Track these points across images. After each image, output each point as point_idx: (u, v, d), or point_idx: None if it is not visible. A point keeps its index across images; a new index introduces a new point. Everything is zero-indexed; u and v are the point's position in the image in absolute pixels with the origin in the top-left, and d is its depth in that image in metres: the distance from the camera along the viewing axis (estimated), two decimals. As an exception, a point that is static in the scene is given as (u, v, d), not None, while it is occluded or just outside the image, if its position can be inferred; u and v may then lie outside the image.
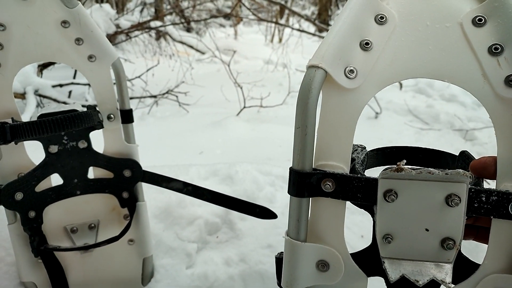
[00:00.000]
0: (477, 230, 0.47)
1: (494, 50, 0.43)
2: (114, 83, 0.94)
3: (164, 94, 3.48)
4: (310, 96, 0.44)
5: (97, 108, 0.92)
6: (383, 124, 3.01)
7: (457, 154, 0.57)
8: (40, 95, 2.98)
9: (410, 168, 0.43)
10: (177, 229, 1.21)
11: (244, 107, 3.19)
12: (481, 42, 0.44)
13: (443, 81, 0.46)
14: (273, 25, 8.58)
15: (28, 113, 2.52)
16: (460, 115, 3.10)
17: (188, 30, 7.93)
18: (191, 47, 5.94)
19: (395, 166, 0.43)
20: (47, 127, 0.78)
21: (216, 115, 3.05)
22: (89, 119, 0.85)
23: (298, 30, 5.09)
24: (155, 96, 3.46)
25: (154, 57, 4.90)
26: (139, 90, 3.55)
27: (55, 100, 3.00)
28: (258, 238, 1.22)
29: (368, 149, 0.61)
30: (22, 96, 2.83)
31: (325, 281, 0.50)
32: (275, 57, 5.69)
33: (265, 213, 0.98)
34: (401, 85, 4.16)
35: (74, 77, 3.60)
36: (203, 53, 5.99)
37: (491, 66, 0.43)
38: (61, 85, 3.16)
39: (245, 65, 5.58)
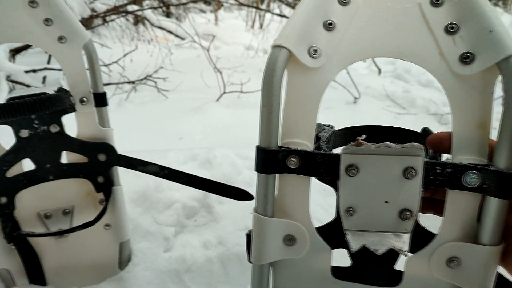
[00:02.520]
0: (436, 204, 0.49)
1: (450, 29, 0.44)
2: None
3: (142, 79, 3.43)
4: (274, 75, 0.45)
5: (70, 91, 0.90)
6: (361, 109, 3.05)
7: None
8: (12, 81, 2.89)
9: (370, 143, 0.44)
10: (154, 213, 1.21)
11: (224, 92, 3.17)
12: (438, 22, 0.45)
13: (402, 59, 0.47)
14: (254, 10, 8.49)
15: (0, 100, 2.45)
16: (436, 100, 3.16)
17: (168, 15, 7.77)
18: (170, 32, 5.83)
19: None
20: (16, 109, 0.76)
21: (196, 101, 3.03)
22: (60, 102, 0.83)
23: (279, 15, 5.06)
24: (133, 82, 3.40)
25: (132, 43, 4.80)
26: (116, 76, 3.48)
27: (28, 86, 2.91)
28: (236, 220, 1.23)
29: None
30: (-7, 81, 2.73)
31: (292, 255, 0.52)
32: (256, 42, 5.66)
33: (242, 195, 0.99)
34: (379, 70, 4.21)
35: (48, 62, 3.50)
36: (182, 38, 5.90)
37: (447, 45, 0.45)
38: (34, 71, 3.07)
39: (226, 50, 5.53)
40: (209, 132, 2.41)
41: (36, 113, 0.78)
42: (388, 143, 0.44)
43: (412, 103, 3.15)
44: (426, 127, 0.58)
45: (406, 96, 3.30)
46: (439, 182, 0.45)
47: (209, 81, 3.49)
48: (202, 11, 9.74)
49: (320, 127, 0.59)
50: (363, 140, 0.44)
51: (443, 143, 0.48)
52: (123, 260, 1.08)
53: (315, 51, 0.47)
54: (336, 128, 0.63)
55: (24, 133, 0.89)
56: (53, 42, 0.86)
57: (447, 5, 0.45)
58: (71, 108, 0.90)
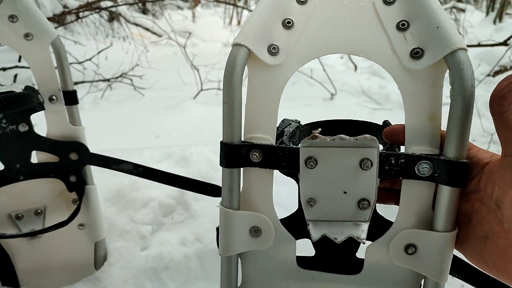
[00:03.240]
0: (396, 195, 0.51)
1: (401, 26, 0.47)
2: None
3: (118, 77, 3.37)
4: (234, 73, 0.47)
5: (38, 90, 0.88)
6: (338, 105, 3.09)
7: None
8: (-19, 80, 2.79)
9: (326, 136, 0.46)
10: (130, 212, 1.20)
11: (201, 90, 3.16)
12: (390, 19, 0.47)
13: (358, 56, 0.49)
14: (231, 7, 8.45)
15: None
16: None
17: (144, 12, 7.65)
18: (147, 29, 5.75)
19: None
20: (-19, 109, 0.74)
21: (173, 99, 3.00)
22: (27, 100, 0.81)
23: (256, 12, 5.05)
24: (108, 80, 3.34)
25: (107, 40, 4.70)
26: (91, 74, 3.41)
27: (-2, 85, 2.82)
28: (213, 217, 1.24)
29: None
30: (-40, 81, 2.64)
31: (258, 246, 0.53)
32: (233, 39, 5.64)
33: (217, 191, 0.99)
34: (355, 67, 4.28)
35: (19, 61, 3.39)
36: (159, 35, 5.82)
37: (399, 41, 0.47)
38: (4, 69, 2.97)
39: (203, 48, 5.49)
40: (186, 130, 2.40)
41: (3, 112, 0.76)
42: (342, 135, 0.45)
43: (387, 99, 3.22)
44: (387, 120, 0.60)
45: (381, 92, 3.36)
46: (394, 172, 0.47)
47: (186, 78, 3.47)
48: (179, 7, 9.63)
49: (286, 122, 0.61)
50: (318, 133, 0.46)
51: (397, 135, 0.50)
52: (99, 259, 1.07)
53: (274, 48, 0.48)
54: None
55: (-8, 132, 0.87)
56: (19, 39, 0.85)
57: (398, 3, 0.47)
58: (40, 107, 0.88)
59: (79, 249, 1.04)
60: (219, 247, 0.55)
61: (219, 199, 1.13)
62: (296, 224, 0.54)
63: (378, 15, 0.47)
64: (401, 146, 0.53)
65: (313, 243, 0.54)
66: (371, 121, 0.65)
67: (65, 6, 3.69)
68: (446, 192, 0.46)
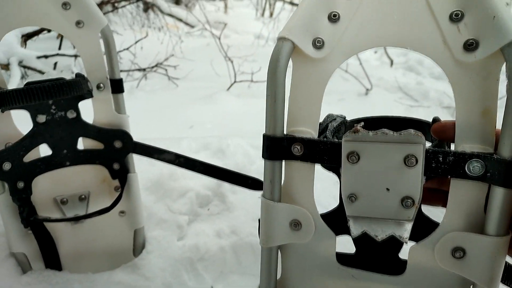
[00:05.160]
0: (445, 197, 0.48)
1: (455, 17, 0.44)
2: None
3: (153, 67, 3.42)
4: (278, 66, 0.47)
5: (86, 77, 0.89)
6: (373, 101, 3.02)
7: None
8: (24, 66, 2.89)
9: (368, 131, 0.45)
10: (168, 201, 1.21)
11: (235, 81, 3.15)
12: (442, 10, 0.45)
13: (406, 48, 0.48)
14: (264, -2, 8.39)
15: (13, 85, 2.45)
16: (449, 93, 3.11)
17: (177, 2, 7.72)
18: (180, 20, 5.80)
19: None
20: (34, 94, 0.76)
21: (206, 89, 3.02)
22: (78, 87, 0.82)
23: (290, 3, 4.99)
24: (144, 69, 3.39)
25: (143, 29, 4.78)
26: (127, 63, 3.47)
27: (40, 71, 2.91)
28: (249, 210, 1.23)
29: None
30: (6, 67, 2.74)
31: (298, 239, 0.53)
32: (266, 31, 5.60)
33: (257, 185, 0.98)
34: (391, 62, 4.16)
35: (59, 48, 3.50)
36: (192, 26, 5.86)
37: (451, 32, 0.45)
38: (46, 56, 3.07)
39: (235, 39, 5.48)
40: (220, 121, 2.40)
41: (55, 98, 0.78)
42: (384, 129, 0.44)
43: (425, 96, 3.11)
44: (436, 117, 0.57)
45: (418, 88, 3.25)
46: (441, 171, 0.45)
47: (219, 69, 3.47)
48: (211, -2, 9.66)
49: (331, 117, 0.60)
50: (360, 127, 0.45)
51: (446, 131, 0.48)
52: (137, 247, 1.08)
53: (319, 42, 0.48)
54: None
55: (42, 118, 0.89)
56: (70, 27, 0.86)
57: None
58: (89, 94, 0.89)
59: (119, 235, 1.06)
60: (260, 238, 0.55)
61: (256, 192, 1.12)
62: (336, 220, 0.53)
63: (430, 5, 0.45)
64: (451, 144, 0.51)
65: (353, 240, 0.54)
66: (420, 118, 0.63)
67: (104, -4, 3.77)
68: (499, 194, 0.43)
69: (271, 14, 8.39)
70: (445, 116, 2.75)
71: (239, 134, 1.65)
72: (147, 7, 5.43)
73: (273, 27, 5.56)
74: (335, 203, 0.56)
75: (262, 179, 1.07)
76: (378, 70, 3.86)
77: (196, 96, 2.88)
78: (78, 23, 0.85)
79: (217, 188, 1.29)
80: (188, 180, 1.27)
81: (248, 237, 1.16)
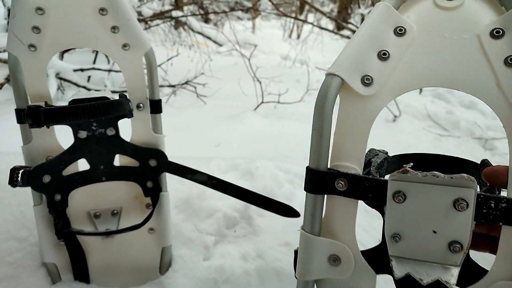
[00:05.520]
0: (493, 243, 0.47)
1: (511, 62, 0.44)
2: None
3: (182, 84, 3.49)
4: (326, 101, 0.48)
5: (127, 97, 0.92)
6: (401, 128, 2.98)
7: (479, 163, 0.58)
8: (61, 78, 3.01)
9: (418, 171, 0.44)
10: (196, 221, 1.21)
11: (262, 102, 3.18)
12: (497, 54, 0.45)
13: (457, 90, 0.47)
14: (291, 20, 8.51)
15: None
16: (480, 123, 3.04)
17: (206, 21, 7.91)
18: (209, 38, 5.94)
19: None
20: (80, 113, 0.79)
21: (233, 108, 3.05)
22: (121, 107, 0.85)
23: (319, 27, 5.05)
24: (174, 86, 3.47)
25: (173, 47, 4.91)
26: (158, 79, 3.56)
27: (75, 84, 3.03)
28: (276, 235, 1.22)
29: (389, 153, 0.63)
30: (44, 78, 2.86)
31: (336, 275, 0.52)
32: (293, 53, 5.66)
33: (288, 211, 0.98)
34: (420, 89, 4.11)
35: (94, 62, 3.63)
36: (220, 45, 5.99)
37: (506, 77, 0.44)
38: (82, 70, 3.19)
39: (263, 59, 5.55)
40: (247, 140, 2.42)
41: (99, 117, 0.81)
42: (435, 172, 0.43)
43: (455, 125, 3.05)
44: (486, 159, 0.57)
45: (448, 117, 3.19)
46: (493, 217, 0.44)
47: (246, 89, 3.52)
48: (239, 18, 9.86)
49: (374, 152, 0.60)
50: (410, 168, 0.45)
51: (498, 176, 0.47)
52: (164, 265, 1.09)
53: (368, 79, 0.49)
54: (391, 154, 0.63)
55: (83, 134, 0.92)
56: (117, 49, 0.89)
57: (508, 37, 0.44)
58: (129, 114, 0.92)
59: (147, 252, 1.07)
60: (296, 271, 0.55)
61: (284, 218, 1.11)
62: (378, 258, 0.52)
63: (484, 49, 0.45)
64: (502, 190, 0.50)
65: (395, 281, 0.52)
66: (467, 158, 0.62)
67: (139, 14, 3.91)
68: None
69: (298, 36, 8.49)
70: (476, 147, 2.69)
71: (266, 156, 1.65)
72: (179, 25, 5.59)
73: (301, 49, 5.61)
74: (361, 232, 0.55)
75: (290, 203, 1.07)
76: (406, 96, 3.81)
77: (224, 114, 2.91)
78: (124, 46, 0.89)
79: (244, 210, 1.29)
80: (216, 201, 1.27)
81: (274, 262, 1.15)
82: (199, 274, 1.09)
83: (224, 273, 1.12)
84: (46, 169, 0.90)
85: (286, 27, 8.84)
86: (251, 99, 3.32)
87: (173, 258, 1.12)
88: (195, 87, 3.47)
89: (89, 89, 2.98)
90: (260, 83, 3.30)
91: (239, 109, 3.01)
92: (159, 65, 3.46)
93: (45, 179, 0.90)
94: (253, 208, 1.28)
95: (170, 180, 1.08)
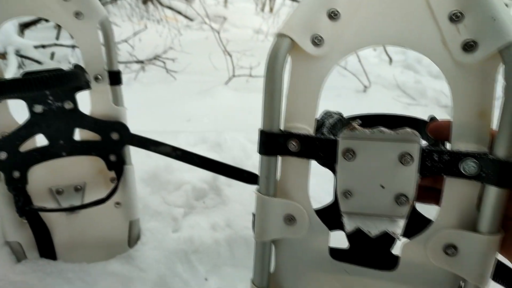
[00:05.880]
0: (438, 195, 0.49)
1: (455, 18, 0.44)
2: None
3: (151, 59, 3.40)
4: (276, 63, 0.48)
5: (84, 68, 0.89)
6: (371, 98, 3.02)
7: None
8: (21, 56, 2.87)
9: (365, 128, 0.45)
10: (164, 193, 1.21)
11: (233, 76, 3.15)
12: (442, 10, 0.45)
13: (404, 47, 0.48)
14: (264, -7, 8.34)
15: (10, 74, 2.44)
16: (447, 92, 3.12)
17: (177, -6, 7.66)
18: (179, 13, 5.76)
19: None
20: (32, 84, 0.76)
21: (204, 83, 3.01)
22: (76, 78, 0.83)
23: (290, -1, 4.98)
24: (142, 62, 3.38)
25: (141, 21, 4.75)
26: (125, 55, 3.45)
27: (37, 61, 2.90)
28: (244, 204, 1.24)
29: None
30: (2, 56, 2.72)
31: (292, 234, 0.54)
32: (266, 26, 5.58)
33: (253, 178, 0.99)
34: (390, 60, 4.16)
35: (57, 38, 3.48)
36: (191, 19, 5.83)
37: (451, 33, 0.45)
38: (43, 46, 3.05)
39: (234, 33, 5.46)
40: (218, 115, 2.40)
41: (53, 88, 0.78)
42: (381, 128, 0.44)
43: (422, 94, 3.11)
44: (433, 116, 0.58)
45: (416, 87, 3.25)
46: (436, 169, 0.45)
47: (218, 63, 3.46)
48: (211, -8, 9.59)
49: (328, 114, 0.61)
50: (357, 125, 0.46)
51: (443, 131, 0.48)
52: (132, 238, 1.09)
53: (318, 39, 0.48)
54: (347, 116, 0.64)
55: (38, 108, 0.89)
56: (69, 18, 0.86)
57: None
58: (86, 85, 0.89)
59: (114, 226, 1.06)
60: (254, 232, 0.56)
61: (252, 186, 1.12)
62: (330, 216, 0.54)
63: (430, 5, 0.45)
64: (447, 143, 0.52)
65: (347, 235, 0.54)
66: (417, 116, 0.64)
67: (103, -14, 3.74)
68: (493, 193, 0.44)
69: (271, 10, 8.35)
70: (442, 115, 2.76)
71: (236, 129, 1.65)
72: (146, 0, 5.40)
73: (273, 22, 5.54)
74: (329, 199, 0.57)
75: (258, 173, 1.08)
76: (376, 67, 3.86)
77: (194, 89, 2.87)
78: (77, 14, 0.85)
79: (213, 181, 1.29)
80: (184, 173, 1.27)
81: (242, 230, 1.17)
82: (169, 245, 1.10)
83: (193, 244, 1.13)
84: (1, 145, 0.87)
85: (258, 1, 8.67)
86: (222, 73, 3.28)
87: (142, 232, 1.12)
88: (164, 63, 3.39)
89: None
90: (230, 56, 3.26)
91: (210, 84, 2.97)
92: (126, 40, 3.35)
93: (1, 156, 0.87)
94: (222, 179, 1.28)
95: (136, 154, 1.07)
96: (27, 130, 0.89)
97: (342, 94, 3.03)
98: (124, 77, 3.12)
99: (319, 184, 1.07)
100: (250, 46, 4.32)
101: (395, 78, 3.44)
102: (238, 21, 6.45)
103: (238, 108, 2.52)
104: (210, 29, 3.77)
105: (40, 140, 0.93)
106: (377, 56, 4.61)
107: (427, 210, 0.56)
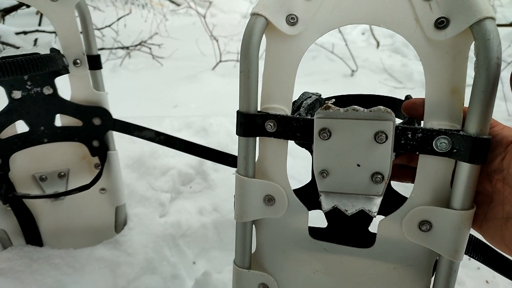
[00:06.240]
0: (413, 173, 0.50)
1: None
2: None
3: (136, 45, 3.35)
4: (251, 42, 0.47)
5: (63, 53, 0.88)
6: (358, 82, 3.03)
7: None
8: (2, 43, 2.81)
9: (339, 107, 0.46)
10: (150, 179, 1.21)
11: (220, 61, 3.12)
12: None
13: (379, 26, 0.48)
14: (251, -23, 8.22)
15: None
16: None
17: (162, -21, 7.50)
18: (165, -3, 5.66)
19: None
20: (7, 69, 0.74)
21: (191, 69, 2.98)
22: (52, 62, 0.81)
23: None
24: (127, 48, 3.33)
25: (126, 7, 4.66)
26: (110, 41, 3.40)
27: (18, 48, 2.83)
28: (231, 188, 1.24)
29: None
30: (-18, 43, 2.66)
31: (271, 214, 0.54)
32: (253, 11, 5.51)
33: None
34: (378, 44, 4.16)
35: (39, 24, 3.40)
36: (178, 4, 5.74)
37: (423, 10, 0.45)
38: (25, 32, 2.98)
39: (222, 18, 5.39)
40: (205, 100, 2.39)
41: (28, 73, 0.76)
42: (355, 106, 0.45)
43: (409, 77, 3.13)
44: (409, 95, 0.59)
45: (403, 70, 3.27)
46: (410, 147, 0.46)
47: (205, 49, 3.43)
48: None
49: (306, 95, 0.61)
50: (331, 104, 0.46)
51: (416, 108, 0.49)
52: (119, 224, 1.09)
53: (293, 18, 0.48)
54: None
55: (17, 94, 0.87)
56: (45, 1, 0.83)
57: None
58: (64, 70, 0.88)
59: (100, 212, 1.06)
60: (234, 213, 0.57)
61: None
62: (309, 195, 0.55)
63: None
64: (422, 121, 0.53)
65: (325, 214, 0.55)
66: (394, 96, 0.64)
67: (85, -29, 3.64)
68: (465, 169, 0.44)
69: (259, -7, 8.24)
70: (428, 98, 2.78)
71: (222, 113, 1.64)
72: (131, -16, 5.27)
73: (260, 6, 5.47)
74: (309, 178, 0.57)
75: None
76: (364, 51, 3.86)
77: (181, 75, 2.84)
78: (52, -4, 0.83)
79: (199, 166, 1.29)
80: (170, 158, 1.27)
81: (229, 214, 1.18)
82: (156, 230, 1.10)
83: (181, 228, 1.13)
84: (-20, 133, 0.86)
85: (245, -16, 8.53)
86: (209, 59, 3.25)
87: (129, 217, 1.12)
88: (150, 49, 3.34)
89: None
90: (217, 41, 3.22)
91: (197, 70, 2.94)
92: (109, 26, 3.29)
93: (-19, 143, 0.86)
94: (208, 164, 1.29)
95: (121, 140, 1.06)
96: (6, 117, 0.88)
97: (330, 78, 3.03)
98: (110, 64, 3.09)
99: (300, 164, 1.08)
100: (238, 31, 4.28)
101: (382, 62, 3.45)
102: (225, 6, 6.37)
103: (224, 93, 2.51)
104: (197, 14, 3.71)
105: (21, 127, 0.92)
106: (365, 40, 4.60)
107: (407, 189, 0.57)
